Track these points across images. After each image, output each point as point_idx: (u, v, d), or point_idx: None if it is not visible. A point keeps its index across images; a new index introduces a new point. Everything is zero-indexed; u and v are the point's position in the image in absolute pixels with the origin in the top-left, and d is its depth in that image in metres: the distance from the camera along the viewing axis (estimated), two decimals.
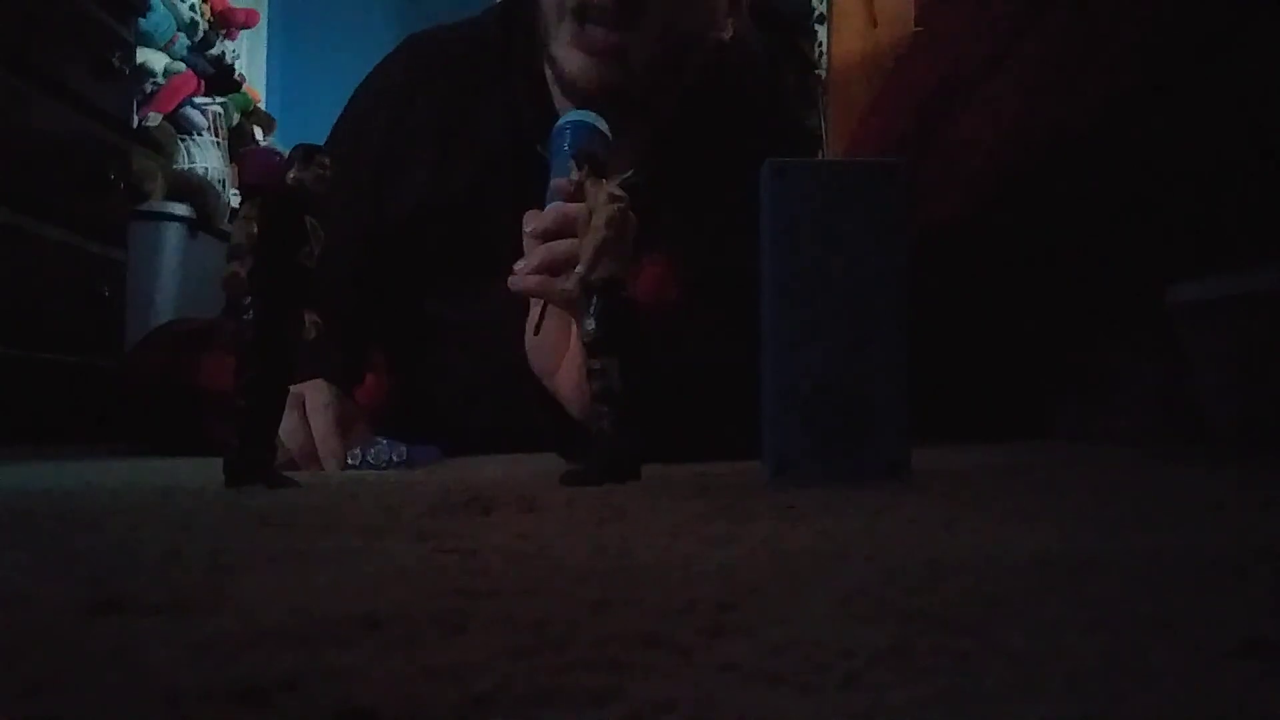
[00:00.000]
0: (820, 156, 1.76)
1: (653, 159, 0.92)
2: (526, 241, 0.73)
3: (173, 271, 2.03)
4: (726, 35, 0.94)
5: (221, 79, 2.37)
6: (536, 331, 0.75)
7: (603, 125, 0.79)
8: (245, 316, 0.55)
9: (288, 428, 0.73)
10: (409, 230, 0.98)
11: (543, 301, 0.73)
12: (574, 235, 0.68)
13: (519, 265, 0.73)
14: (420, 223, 0.97)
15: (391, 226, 0.98)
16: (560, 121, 0.80)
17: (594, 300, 0.59)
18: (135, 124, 1.94)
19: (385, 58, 1.06)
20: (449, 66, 0.99)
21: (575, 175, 0.61)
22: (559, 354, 0.77)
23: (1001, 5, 1.28)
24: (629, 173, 0.89)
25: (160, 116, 2.17)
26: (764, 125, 0.97)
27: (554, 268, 0.70)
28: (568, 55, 0.86)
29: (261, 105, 2.71)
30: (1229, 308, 0.89)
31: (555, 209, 0.73)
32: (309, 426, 0.80)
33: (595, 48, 0.85)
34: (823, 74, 2.12)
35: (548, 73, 0.93)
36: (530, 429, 0.95)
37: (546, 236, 0.72)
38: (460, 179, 0.96)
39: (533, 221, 0.73)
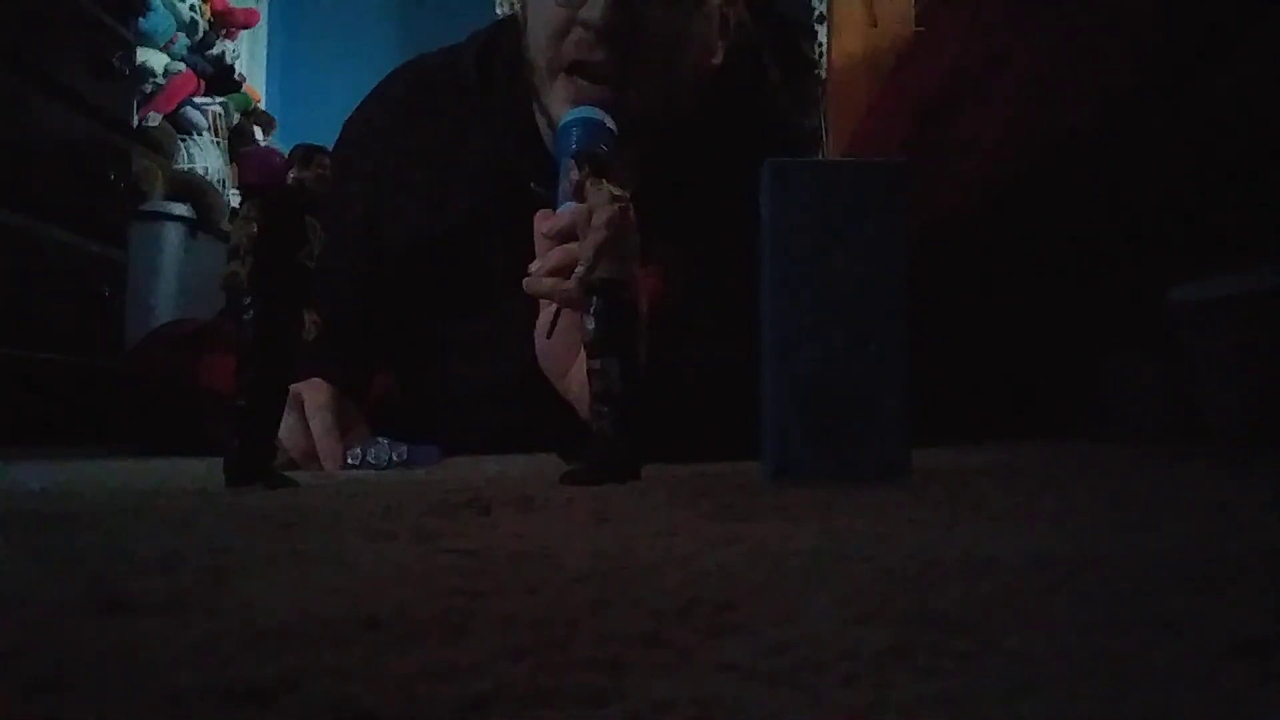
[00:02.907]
0: (820, 156, 1.76)
1: (648, 166, 0.92)
2: (540, 242, 0.73)
3: (173, 271, 2.03)
4: (718, 60, 0.92)
5: (221, 79, 2.37)
6: (549, 334, 0.74)
7: (609, 120, 0.79)
8: (245, 316, 0.55)
9: (286, 428, 0.73)
10: (404, 263, 0.98)
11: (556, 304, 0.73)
12: None
13: (534, 266, 0.72)
14: (415, 256, 0.97)
15: (385, 260, 0.98)
16: (565, 120, 0.79)
17: (594, 300, 0.59)
18: (135, 124, 1.94)
19: (370, 93, 1.05)
20: (433, 104, 0.98)
21: (574, 175, 0.61)
22: (570, 356, 0.76)
23: (1001, 5, 1.28)
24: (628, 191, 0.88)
25: (160, 116, 2.17)
26: (758, 127, 0.97)
27: (569, 269, 0.69)
28: (562, 110, 0.83)
29: (261, 105, 2.71)
30: (1229, 308, 0.89)
31: (570, 210, 0.72)
32: (308, 427, 0.80)
33: (591, 102, 0.83)
34: (823, 74, 2.12)
35: (538, 117, 0.92)
36: (530, 432, 0.95)
37: (561, 238, 0.71)
38: (451, 216, 0.95)
39: (546, 222, 0.73)
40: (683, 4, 0.85)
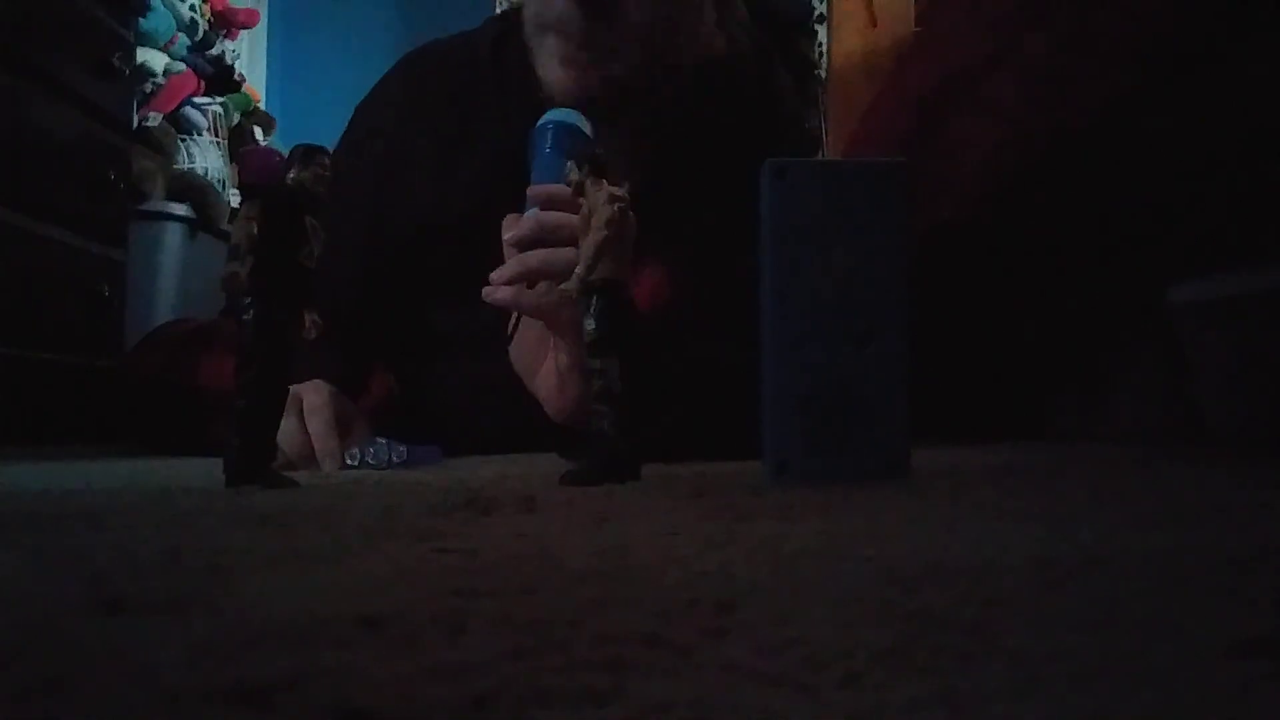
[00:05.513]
0: (820, 156, 1.76)
1: (646, 165, 0.92)
2: (506, 249, 0.74)
3: (173, 271, 2.03)
4: (719, 47, 0.92)
5: (221, 79, 2.37)
6: (508, 334, 0.76)
7: (585, 125, 0.79)
8: (245, 316, 0.55)
9: (284, 430, 0.73)
10: (412, 246, 0.98)
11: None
12: (550, 244, 0.70)
13: (494, 275, 0.73)
14: (423, 240, 0.97)
15: (393, 243, 0.98)
16: (540, 121, 0.80)
17: (594, 300, 0.59)
18: (135, 124, 1.94)
19: (383, 77, 1.05)
20: (445, 86, 0.99)
21: (575, 175, 0.61)
22: (538, 359, 0.78)
23: (1001, 5, 1.28)
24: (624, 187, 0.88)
25: (160, 116, 2.17)
26: (759, 126, 0.96)
27: (528, 278, 0.71)
28: (547, 68, 0.85)
29: (261, 105, 2.71)
30: (1229, 308, 0.89)
31: (531, 218, 0.73)
32: (305, 428, 0.80)
33: (578, 67, 0.84)
34: (823, 74, 2.12)
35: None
36: (532, 432, 0.95)
37: (522, 245, 0.72)
38: (462, 199, 0.95)
39: (511, 229, 0.74)
40: None
